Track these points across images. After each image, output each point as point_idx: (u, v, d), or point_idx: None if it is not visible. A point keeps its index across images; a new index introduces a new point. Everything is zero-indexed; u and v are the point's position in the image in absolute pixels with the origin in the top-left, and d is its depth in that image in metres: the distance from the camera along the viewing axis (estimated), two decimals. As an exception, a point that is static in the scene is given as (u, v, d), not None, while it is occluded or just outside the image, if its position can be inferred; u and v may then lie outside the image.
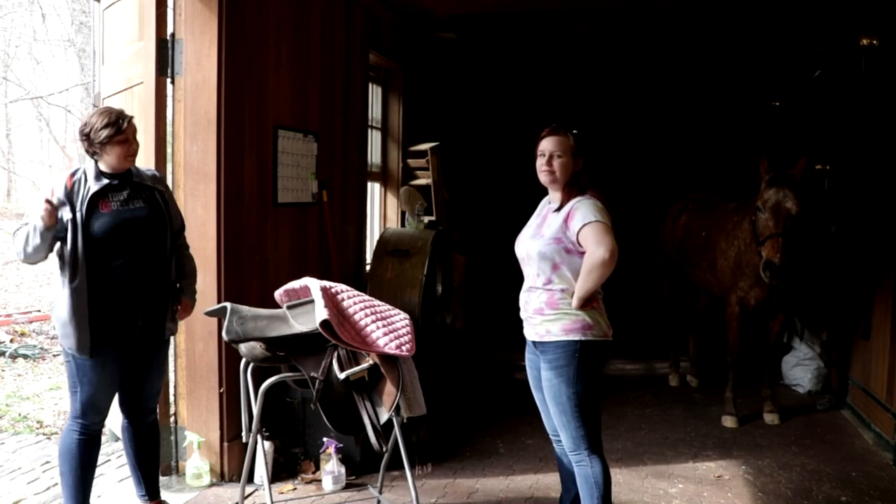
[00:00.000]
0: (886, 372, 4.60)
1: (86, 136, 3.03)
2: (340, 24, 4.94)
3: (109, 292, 3.02)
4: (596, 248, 2.75)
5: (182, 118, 3.76)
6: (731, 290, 5.07)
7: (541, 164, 2.96)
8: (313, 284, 3.06)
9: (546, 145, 2.96)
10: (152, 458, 3.39)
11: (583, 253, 2.83)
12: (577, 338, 2.84)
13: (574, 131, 2.98)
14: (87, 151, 3.09)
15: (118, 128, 3.01)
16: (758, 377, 5.35)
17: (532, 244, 2.92)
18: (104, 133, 2.98)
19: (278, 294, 3.16)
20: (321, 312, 2.90)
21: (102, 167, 3.06)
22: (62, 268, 2.99)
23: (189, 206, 3.76)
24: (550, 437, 3.23)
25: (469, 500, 3.79)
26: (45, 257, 3.00)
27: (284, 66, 4.24)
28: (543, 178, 2.97)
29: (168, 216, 3.22)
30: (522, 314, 3.01)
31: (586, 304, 2.84)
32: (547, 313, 2.88)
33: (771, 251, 4.46)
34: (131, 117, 3.11)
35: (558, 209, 2.92)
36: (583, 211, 2.83)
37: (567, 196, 2.92)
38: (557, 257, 2.85)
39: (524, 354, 3.15)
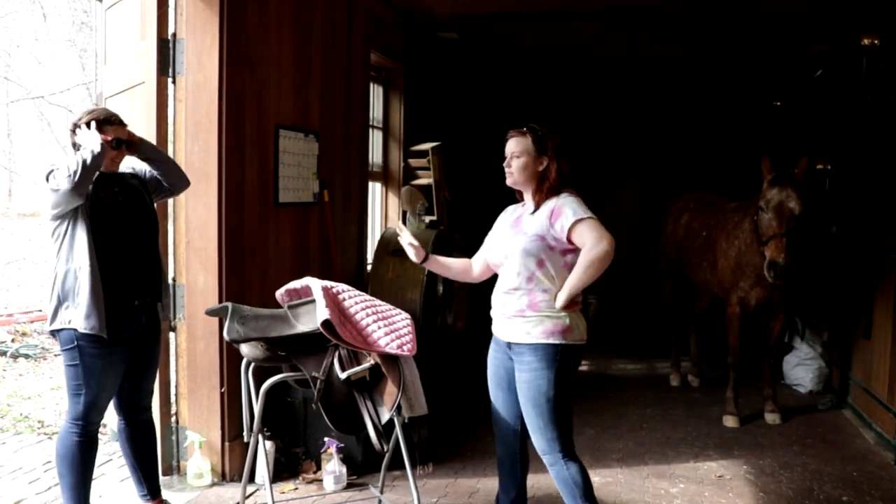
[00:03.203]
0: (888, 371, 4.60)
1: (76, 127, 3.04)
2: (342, 23, 4.94)
3: (116, 286, 3.03)
4: (598, 242, 2.73)
5: (183, 118, 3.76)
6: (731, 290, 5.07)
7: (504, 165, 2.98)
8: (314, 284, 3.06)
9: (507, 147, 2.97)
10: (151, 456, 3.39)
11: (566, 251, 2.84)
12: (558, 341, 2.82)
13: (539, 132, 2.94)
14: (74, 146, 3.07)
15: (105, 120, 3.02)
16: (759, 377, 5.35)
17: (514, 241, 2.89)
18: (90, 122, 3.00)
19: (279, 294, 3.16)
20: (322, 312, 2.90)
21: None
22: (71, 249, 2.96)
23: (190, 206, 3.77)
24: (497, 438, 3.15)
25: (470, 500, 3.79)
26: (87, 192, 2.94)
27: (286, 66, 4.24)
28: (507, 179, 2.98)
29: (152, 207, 3.23)
30: (498, 314, 2.98)
31: (570, 304, 2.82)
32: (528, 315, 2.85)
33: (775, 251, 4.45)
34: (124, 125, 3.11)
35: (535, 210, 2.91)
36: (572, 207, 2.81)
37: (542, 196, 2.91)
38: (542, 254, 2.83)
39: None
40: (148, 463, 3.37)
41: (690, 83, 8.15)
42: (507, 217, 3.09)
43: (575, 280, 2.80)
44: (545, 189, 2.90)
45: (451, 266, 3.25)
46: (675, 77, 8.09)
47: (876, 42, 5.06)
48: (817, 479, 4.09)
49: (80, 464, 3.09)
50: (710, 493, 3.91)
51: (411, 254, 3.13)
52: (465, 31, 6.74)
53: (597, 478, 4.07)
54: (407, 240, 3.13)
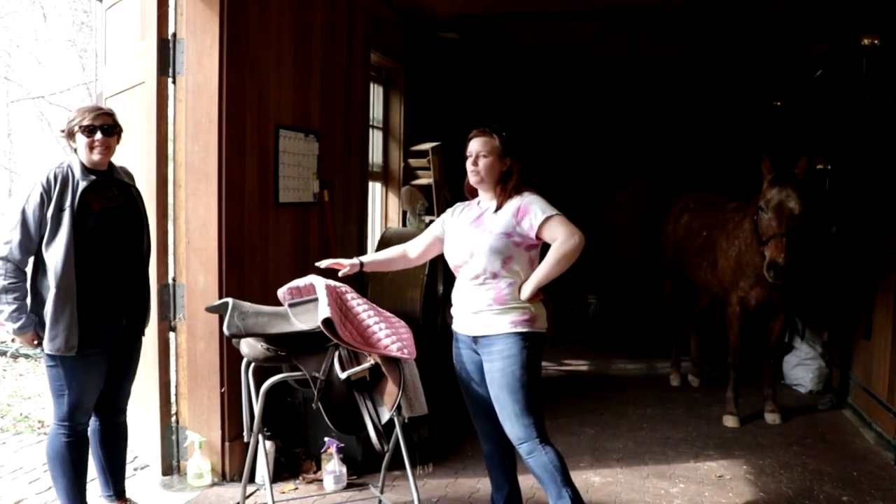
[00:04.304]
0: (888, 371, 4.60)
1: (62, 131, 3.07)
2: (342, 23, 4.94)
3: (96, 291, 3.01)
4: (570, 237, 2.87)
5: (183, 118, 3.76)
6: (731, 290, 5.07)
7: (468, 164, 3.03)
8: (318, 282, 3.06)
9: (472, 146, 3.03)
10: (121, 458, 3.39)
11: (530, 246, 2.95)
12: (525, 329, 2.92)
13: (503, 133, 3.03)
14: (71, 147, 3.09)
15: (84, 117, 3.02)
16: (759, 377, 5.35)
17: (481, 239, 2.94)
18: (76, 122, 3.02)
19: (282, 292, 3.16)
20: (324, 310, 2.90)
21: (84, 162, 3.05)
22: (43, 266, 2.94)
23: (190, 205, 3.77)
24: (482, 436, 3.21)
25: (470, 500, 3.79)
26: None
27: (286, 66, 4.24)
28: (472, 178, 3.04)
29: (144, 213, 3.26)
30: (462, 311, 3.03)
31: (535, 296, 2.93)
32: (496, 308, 2.93)
33: (775, 251, 4.45)
34: (111, 113, 3.12)
35: (497, 209, 2.98)
36: (539, 205, 2.93)
37: (504, 196, 2.99)
38: (508, 251, 2.92)
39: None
40: (117, 464, 3.36)
41: (690, 83, 8.15)
42: (464, 216, 3.12)
43: (544, 272, 2.91)
44: (509, 188, 2.99)
45: (390, 258, 3.30)
46: (675, 77, 8.09)
47: (876, 42, 5.06)
48: (817, 479, 4.09)
49: (72, 464, 3.09)
50: (710, 493, 3.90)
51: (344, 272, 3.15)
52: (465, 31, 6.74)
53: (597, 478, 4.07)
54: (326, 264, 3.16)
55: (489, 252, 2.91)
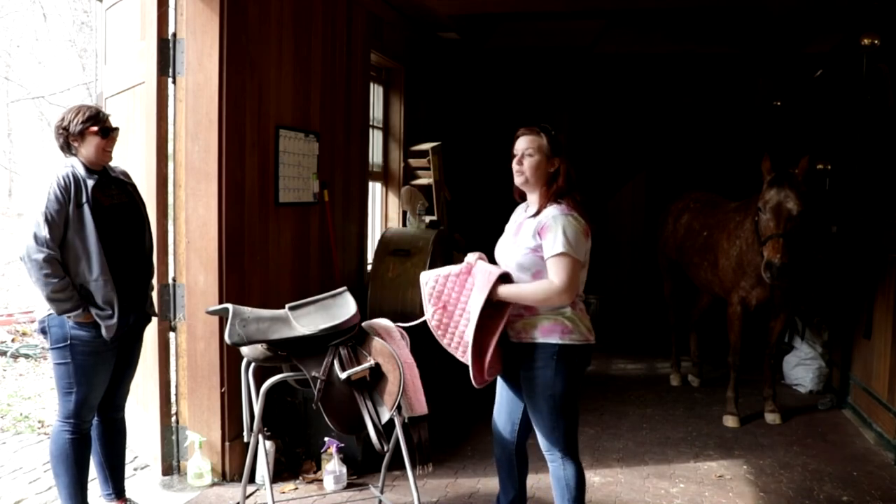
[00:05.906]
0: (888, 371, 4.60)
1: (64, 129, 3.04)
2: (342, 23, 4.94)
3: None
4: (557, 289, 2.73)
5: (183, 118, 3.76)
6: (732, 290, 5.07)
7: (514, 164, 2.90)
8: (481, 267, 2.89)
9: (518, 144, 2.90)
10: (120, 456, 3.39)
11: None
12: (555, 340, 2.82)
13: (553, 132, 2.90)
14: (63, 147, 3.08)
15: (97, 118, 3.05)
16: (759, 377, 5.35)
17: (510, 253, 2.89)
18: (83, 123, 3.02)
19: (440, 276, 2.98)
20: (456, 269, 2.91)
21: (87, 162, 3.07)
22: (77, 259, 2.97)
23: (191, 205, 3.77)
24: (494, 438, 3.16)
25: (470, 500, 3.79)
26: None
27: (286, 66, 4.24)
28: (516, 178, 2.91)
29: (144, 210, 3.29)
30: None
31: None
32: (527, 316, 2.86)
33: (772, 252, 4.46)
34: (109, 115, 3.17)
35: (535, 214, 2.86)
36: (555, 233, 2.75)
37: (544, 200, 2.85)
38: (535, 266, 2.82)
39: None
40: (116, 462, 3.37)
41: (691, 83, 8.15)
42: (515, 219, 3.03)
43: (518, 291, 2.80)
44: (552, 192, 2.85)
45: None
46: (675, 77, 8.10)
47: (876, 42, 5.06)
48: (817, 479, 4.09)
49: (75, 462, 3.10)
50: (711, 493, 3.91)
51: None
52: (465, 31, 6.74)
53: (597, 478, 4.07)
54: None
55: (517, 268, 2.84)
